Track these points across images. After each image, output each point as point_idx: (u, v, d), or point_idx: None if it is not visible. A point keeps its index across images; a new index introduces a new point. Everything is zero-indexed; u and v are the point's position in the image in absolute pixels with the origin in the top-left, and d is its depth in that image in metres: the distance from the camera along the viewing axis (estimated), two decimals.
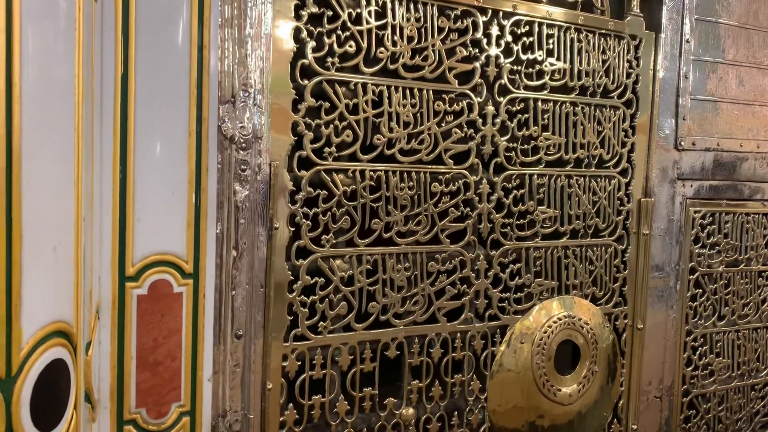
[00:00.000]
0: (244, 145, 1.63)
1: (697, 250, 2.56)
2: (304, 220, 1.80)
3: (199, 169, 1.55)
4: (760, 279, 2.74)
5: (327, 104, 1.81)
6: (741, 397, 2.73)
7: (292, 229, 1.78)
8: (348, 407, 1.92)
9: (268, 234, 1.72)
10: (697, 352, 2.60)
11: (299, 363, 1.83)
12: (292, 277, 1.80)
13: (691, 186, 2.53)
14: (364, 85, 1.86)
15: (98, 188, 1.44)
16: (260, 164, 1.67)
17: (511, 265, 2.17)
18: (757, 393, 2.77)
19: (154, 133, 1.50)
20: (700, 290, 2.59)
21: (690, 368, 2.59)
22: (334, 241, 1.87)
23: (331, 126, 1.82)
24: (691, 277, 2.56)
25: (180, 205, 1.54)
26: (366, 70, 1.86)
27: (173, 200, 1.53)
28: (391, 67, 1.89)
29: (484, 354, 2.13)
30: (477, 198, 2.08)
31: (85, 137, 1.23)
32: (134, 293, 1.51)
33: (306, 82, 1.77)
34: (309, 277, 1.83)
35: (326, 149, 1.82)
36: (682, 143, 2.47)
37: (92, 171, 1.39)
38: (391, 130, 1.91)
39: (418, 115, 1.95)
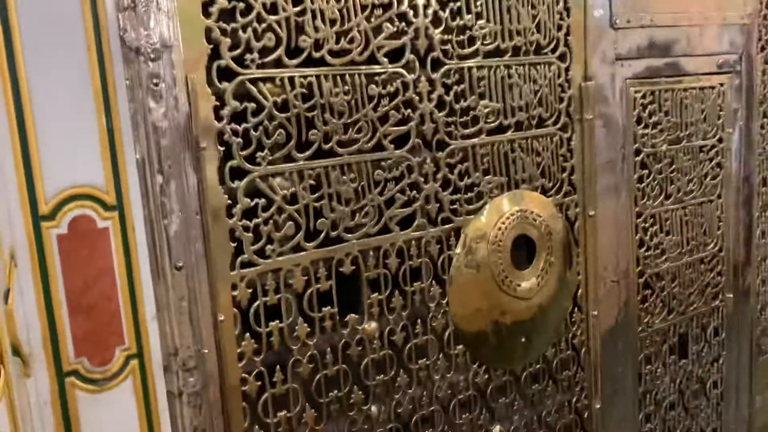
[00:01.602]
0: (152, 56, 1.45)
1: (640, 131, 2.53)
2: (233, 138, 1.65)
3: (105, 86, 1.38)
4: (702, 154, 2.75)
5: (242, 5, 1.63)
6: (692, 271, 2.78)
7: (222, 148, 1.63)
8: (308, 329, 1.83)
9: (195, 155, 1.57)
10: (648, 233, 2.62)
11: (250, 291, 1.72)
12: (229, 201, 1.66)
13: (630, 66, 2.47)
14: None
15: None
16: (174, 77, 1.50)
17: (459, 165, 2.08)
18: (706, 266, 2.83)
19: (46, 51, 1.31)
20: (646, 171, 2.58)
21: (642, 249, 2.61)
22: (271, 158, 1.73)
23: (250, 30, 1.65)
24: (637, 158, 2.54)
25: (90, 130, 1.38)
26: None
27: (81, 125, 1.36)
28: None
29: (441, 258, 2.07)
30: (417, 98, 1.96)
31: None
32: (52, 233, 1.35)
33: None
34: (248, 199, 1.69)
35: (247, 56, 1.65)
36: (617, 21, 2.39)
37: None
38: (316, 29, 1.75)
39: (344, 10, 1.79)
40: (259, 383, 1.76)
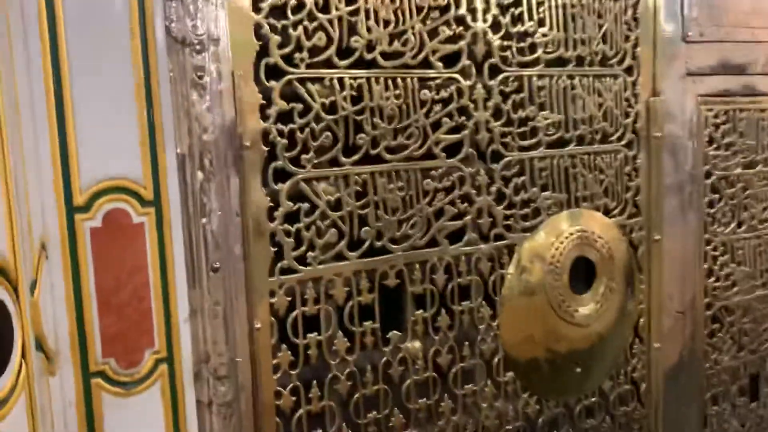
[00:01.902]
0: (198, 48, 1.40)
1: (711, 152, 2.36)
2: (278, 138, 1.58)
3: (148, 77, 1.33)
4: None
5: (294, 1, 1.57)
6: (766, 306, 2.56)
7: (267, 148, 1.57)
8: (348, 344, 1.73)
9: (238, 154, 1.50)
10: (718, 262, 2.43)
11: (289, 299, 1.64)
12: (271, 204, 1.59)
13: (702, 82, 2.31)
14: None
15: (28, 103, 1.22)
16: (220, 71, 1.45)
17: (515, 179, 1.97)
18: None
19: (90, 37, 1.27)
20: (717, 195, 2.40)
21: (711, 280, 2.41)
22: (316, 161, 1.65)
23: (300, 27, 1.59)
24: (707, 181, 2.37)
25: (130, 121, 1.33)
26: None
27: (121, 115, 1.32)
28: None
29: (492, 277, 1.94)
30: (472, 105, 1.86)
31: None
32: (86, 226, 1.30)
33: None
34: (291, 203, 1.62)
35: (297, 55, 1.59)
36: (690, 34, 2.25)
37: (15, 82, 1.16)
38: (369, 30, 1.68)
39: (399, 12, 1.72)
40: (294, 398, 1.66)
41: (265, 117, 1.56)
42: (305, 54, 1.60)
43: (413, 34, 1.74)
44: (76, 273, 1.29)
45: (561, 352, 2.07)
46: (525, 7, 1.91)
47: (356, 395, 1.76)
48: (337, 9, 1.63)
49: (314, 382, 1.70)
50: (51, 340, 1.25)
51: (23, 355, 1.10)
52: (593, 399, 2.18)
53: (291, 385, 1.65)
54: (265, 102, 1.55)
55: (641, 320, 2.25)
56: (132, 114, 1.33)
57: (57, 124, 1.24)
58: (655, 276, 2.25)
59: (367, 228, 1.74)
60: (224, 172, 1.48)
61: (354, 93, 1.68)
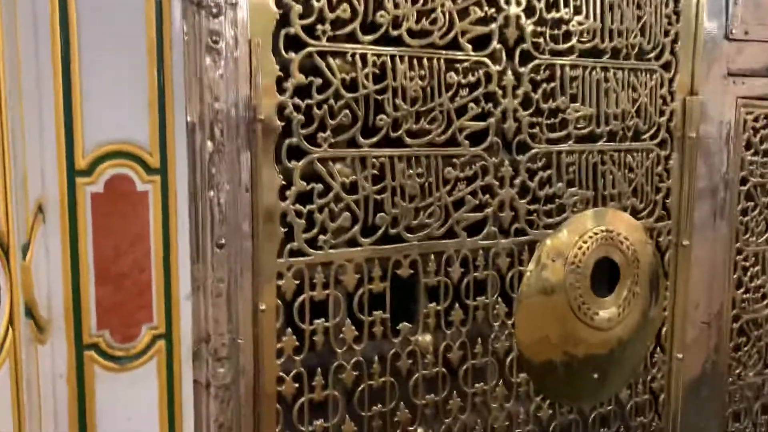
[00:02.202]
0: (215, 11, 1.33)
1: (748, 158, 2.25)
2: (295, 113, 1.51)
3: (161, 38, 1.27)
4: None
5: None
6: None
7: (282, 123, 1.50)
8: (356, 333, 1.66)
9: (251, 126, 1.43)
10: (749, 273, 2.31)
11: (297, 282, 1.56)
12: (284, 182, 1.52)
13: (743, 84, 2.20)
14: None
15: (33, 56, 1.16)
16: (237, 37, 1.38)
17: (541, 172, 1.87)
18: None
19: None
20: (752, 203, 2.29)
21: (740, 291, 2.31)
22: (333, 141, 1.58)
23: None
24: (743, 188, 2.26)
25: (140, 84, 1.26)
26: None
27: (130, 76, 1.25)
28: None
29: (511, 273, 1.86)
30: (501, 92, 1.78)
31: None
32: (87, 190, 1.24)
33: None
34: (304, 183, 1.55)
35: (319, 27, 1.52)
36: (734, 32, 2.14)
37: (17, 32, 1.10)
38: (396, 5, 1.60)
39: None
40: (297, 385, 1.59)
41: (281, 90, 1.49)
42: (327, 26, 1.53)
43: (442, 12, 1.66)
44: (74, 239, 1.23)
45: (578, 356, 1.98)
46: None
47: (362, 386, 1.68)
48: None
49: (319, 369, 1.63)
50: (43, 308, 1.20)
51: (10, 321, 1.05)
52: (609, 407, 2.09)
53: (294, 371, 1.58)
54: (282, 74, 1.48)
55: (664, 328, 2.15)
56: (142, 76, 1.26)
57: (62, 81, 1.18)
58: (681, 283, 2.15)
59: (382, 214, 1.66)
60: (235, 144, 1.41)
61: (376, 71, 1.60)
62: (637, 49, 1.98)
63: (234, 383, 1.45)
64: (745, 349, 2.35)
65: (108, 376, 1.29)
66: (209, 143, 1.35)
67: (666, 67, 2.05)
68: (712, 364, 2.27)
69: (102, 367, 1.28)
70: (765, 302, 2.35)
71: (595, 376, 2.01)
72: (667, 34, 2.03)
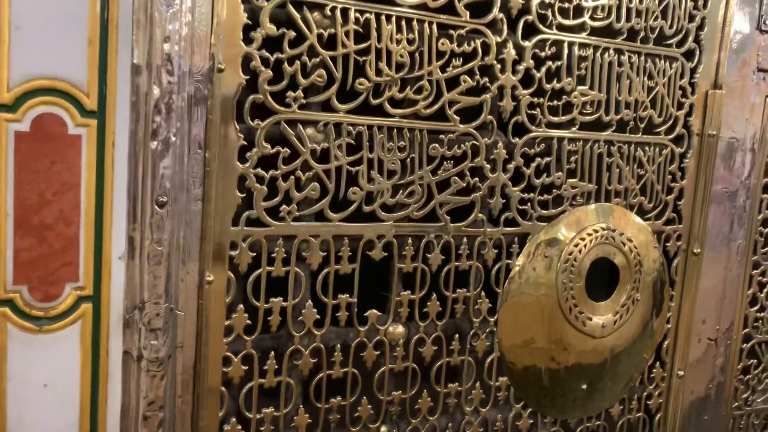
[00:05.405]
0: None
1: None
2: (262, 67, 1.37)
3: None
4: None
5: None
6: None
7: (246, 77, 1.35)
8: (317, 316, 1.52)
9: (209, 76, 1.30)
10: (765, 290, 2.12)
11: (253, 255, 1.43)
12: (244, 142, 1.38)
13: None
14: None
15: None
16: None
17: (538, 159, 1.71)
18: None
19: None
20: None
21: (754, 309, 2.11)
22: (304, 101, 1.43)
23: None
24: (765, 195, 2.06)
25: (80, 15, 1.14)
26: None
27: (70, 6, 1.12)
28: None
29: (497, 266, 1.70)
30: (499, 66, 1.62)
31: None
32: (11, 128, 1.11)
33: None
34: (268, 145, 1.41)
35: None
36: (766, 23, 1.95)
37: None
38: None
39: None
40: (246, 368, 1.45)
41: (248, 40, 1.35)
42: None
43: None
44: None
45: (566, 363, 1.81)
46: None
47: (320, 375, 1.54)
48: None
49: (272, 353, 1.48)
50: None
51: None
52: (597, 422, 1.92)
53: (244, 352, 1.44)
54: (250, 22, 1.34)
55: (666, 342, 1.97)
56: (84, 6, 1.13)
57: None
58: (688, 294, 1.97)
59: (356, 188, 1.51)
60: (187, 93, 1.27)
61: (359, 29, 1.45)
62: (657, 32, 1.80)
63: (170, 358, 1.32)
64: (755, 372, 2.16)
65: (23, 337, 1.16)
66: (155, 89, 1.21)
67: (688, 55, 1.87)
68: (716, 385, 2.08)
69: (16, 326, 1.16)
70: None
71: (584, 387, 1.84)
72: (692, 18, 1.85)
